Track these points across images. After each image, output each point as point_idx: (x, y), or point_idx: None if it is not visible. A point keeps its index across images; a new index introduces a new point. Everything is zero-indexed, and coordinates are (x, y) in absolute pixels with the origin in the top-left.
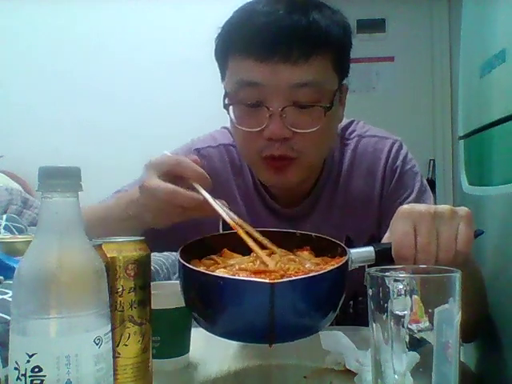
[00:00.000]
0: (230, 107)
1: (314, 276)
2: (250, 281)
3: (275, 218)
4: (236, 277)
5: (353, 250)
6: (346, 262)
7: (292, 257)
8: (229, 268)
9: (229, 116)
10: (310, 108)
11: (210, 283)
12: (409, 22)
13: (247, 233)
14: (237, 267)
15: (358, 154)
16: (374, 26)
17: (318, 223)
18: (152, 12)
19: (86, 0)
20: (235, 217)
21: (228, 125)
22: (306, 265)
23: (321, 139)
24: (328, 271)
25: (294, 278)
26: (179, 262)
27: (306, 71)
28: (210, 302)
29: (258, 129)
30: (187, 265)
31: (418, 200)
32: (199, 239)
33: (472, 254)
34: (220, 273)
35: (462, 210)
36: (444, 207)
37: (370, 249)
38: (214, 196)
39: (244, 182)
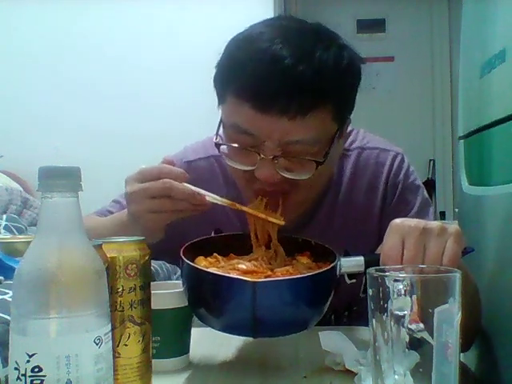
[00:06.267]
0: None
1: (295, 278)
2: (236, 278)
3: None
4: (224, 274)
5: (343, 258)
6: (333, 267)
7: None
8: (226, 266)
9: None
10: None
11: (203, 278)
12: (409, 22)
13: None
14: (231, 266)
15: (360, 168)
16: (374, 26)
17: (315, 234)
18: (152, 12)
19: (86, 0)
20: (226, 200)
21: None
22: (300, 268)
23: (315, 181)
24: (310, 275)
25: (275, 278)
26: (181, 258)
27: (302, 127)
28: (203, 295)
29: (249, 168)
30: (186, 260)
31: (419, 215)
32: (204, 239)
33: (465, 267)
34: (213, 270)
35: (452, 227)
36: (434, 223)
37: (360, 258)
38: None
39: (237, 193)
